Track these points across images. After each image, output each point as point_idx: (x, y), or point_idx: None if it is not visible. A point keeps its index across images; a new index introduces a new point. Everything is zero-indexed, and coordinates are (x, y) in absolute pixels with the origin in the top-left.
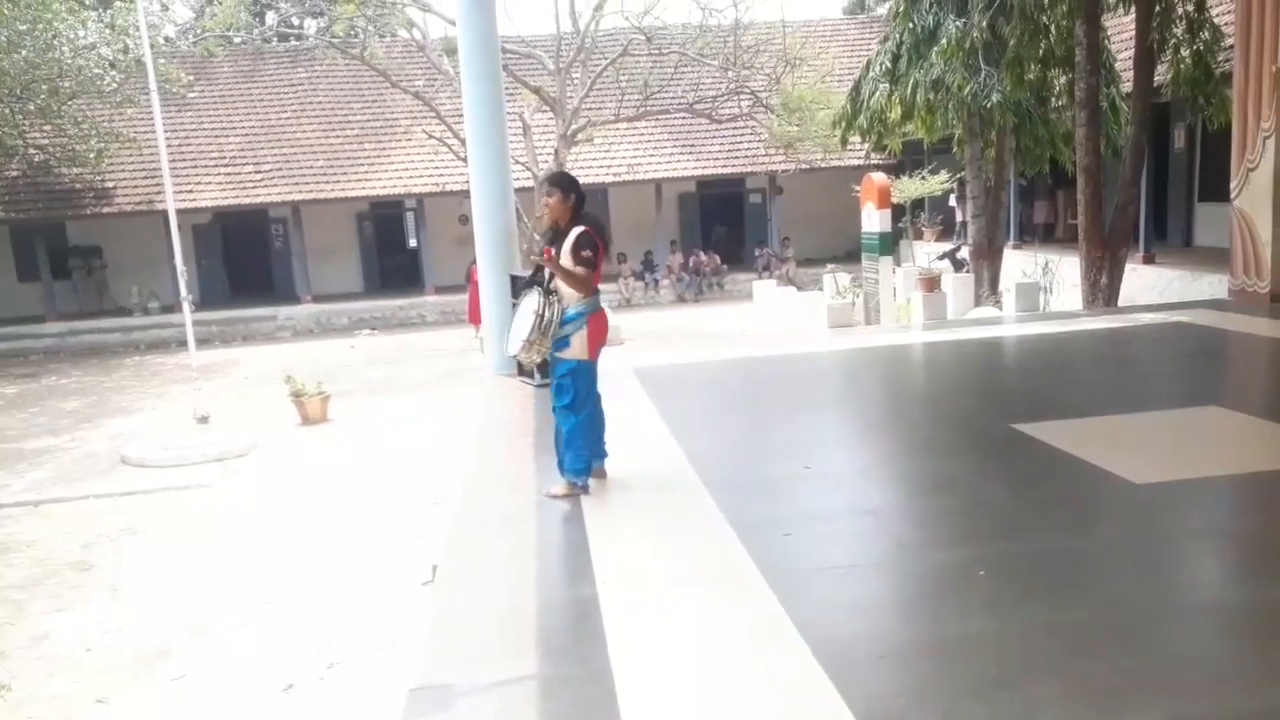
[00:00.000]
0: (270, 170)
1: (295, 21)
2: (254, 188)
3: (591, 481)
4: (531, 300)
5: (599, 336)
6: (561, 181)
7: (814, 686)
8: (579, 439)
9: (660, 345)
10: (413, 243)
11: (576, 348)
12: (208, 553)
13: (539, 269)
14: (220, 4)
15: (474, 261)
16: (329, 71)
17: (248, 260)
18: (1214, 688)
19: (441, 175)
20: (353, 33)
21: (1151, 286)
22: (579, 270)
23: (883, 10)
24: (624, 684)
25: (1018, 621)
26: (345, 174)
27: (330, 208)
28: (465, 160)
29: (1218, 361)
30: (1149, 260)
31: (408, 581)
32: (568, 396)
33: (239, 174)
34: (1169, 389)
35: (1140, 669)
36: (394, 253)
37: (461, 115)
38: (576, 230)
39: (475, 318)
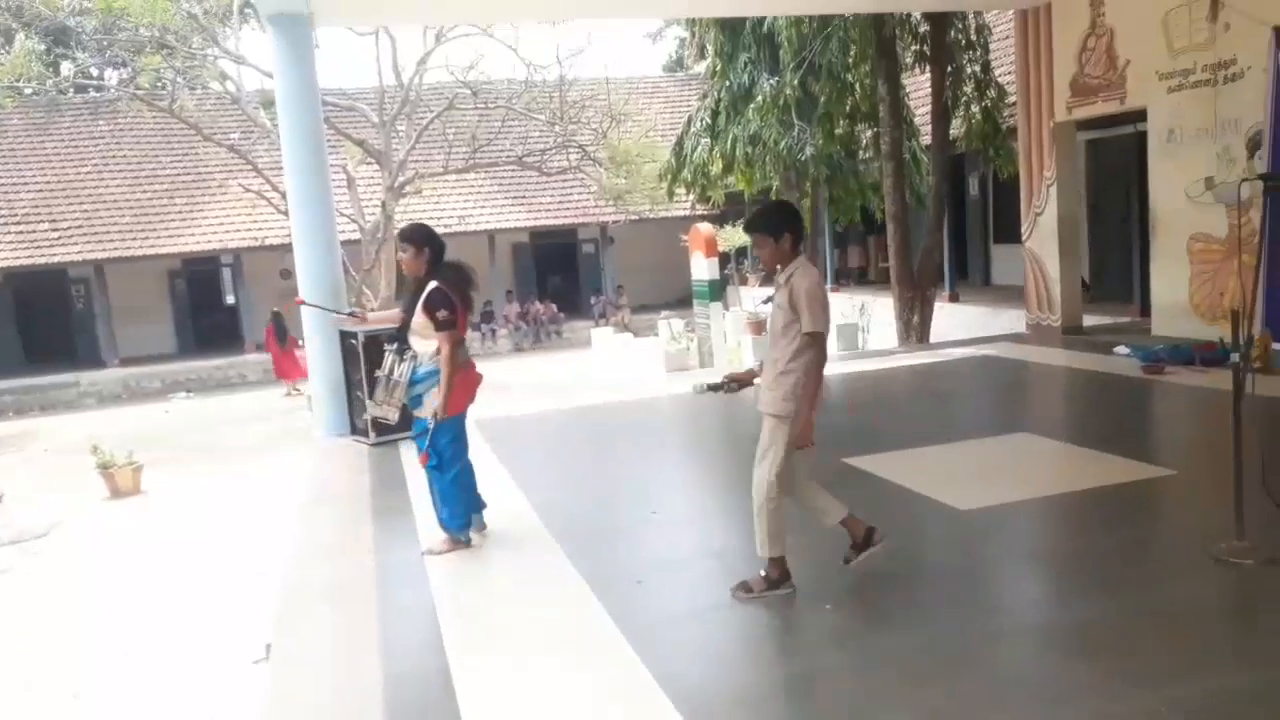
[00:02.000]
0: (69, 228)
1: (94, 72)
2: (50, 246)
3: (473, 535)
4: (387, 360)
5: (462, 392)
6: (415, 236)
7: None
8: (452, 496)
9: (500, 396)
10: (230, 300)
11: (430, 406)
12: (4, 645)
13: (402, 327)
14: (8, 53)
15: (271, 318)
16: (134, 124)
17: (45, 323)
18: (1046, 704)
19: (260, 229)
20: (160, 84)
21: (958, 323)
22: (438, 334)
23: (700, 69)
24: None
25: (863, 654)
26: (154, 230)
27: (138, 266)
28: (286, 213)
29: (1022, 391)
30: (954, 299)
31: (237, 661)
32: (433, 458)
33: (33, 232)
34: (982, 418)
35: (977, 692)
36: (211, 311)
37: (281, 167)
38: (430, 286)
39: (282, 372)
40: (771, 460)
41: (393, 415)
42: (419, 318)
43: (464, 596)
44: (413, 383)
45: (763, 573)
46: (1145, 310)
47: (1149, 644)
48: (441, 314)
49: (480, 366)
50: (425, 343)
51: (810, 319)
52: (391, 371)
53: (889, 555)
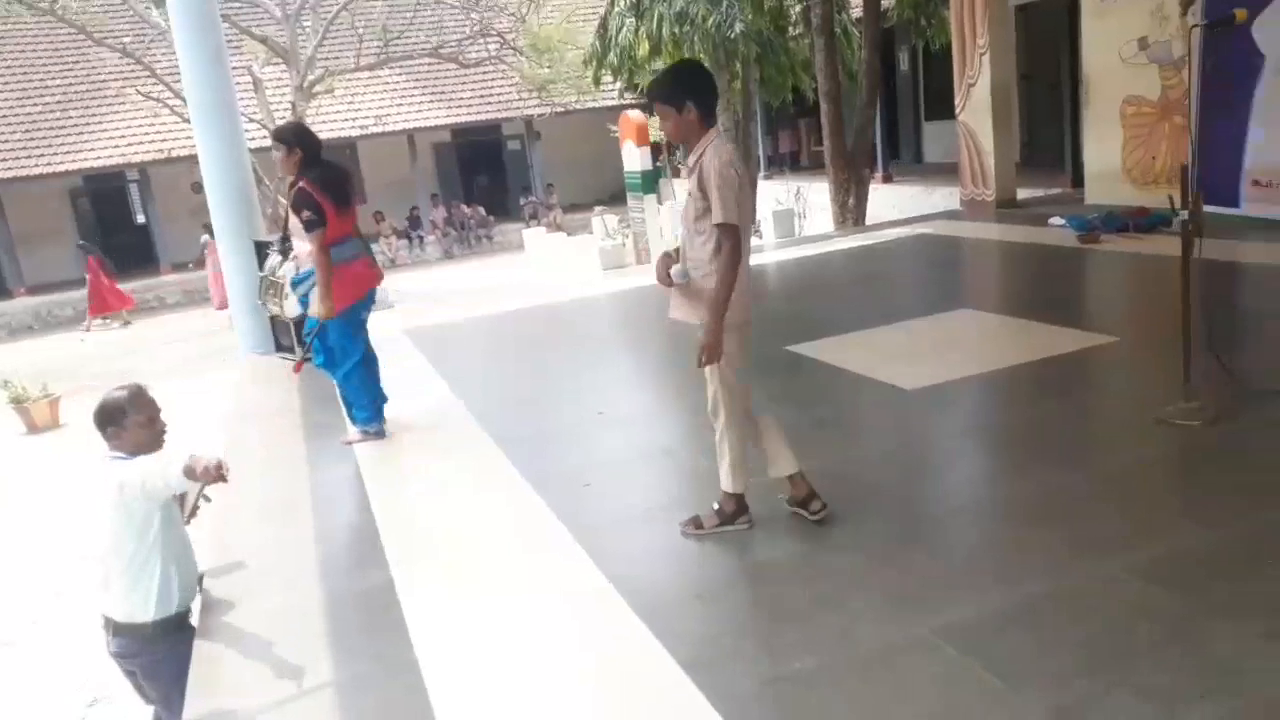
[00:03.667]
0: None
1: None
2: None
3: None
4: (271, 260)
5: (345, 289)
6: (284, 134)
7: (636, 641)
8: (354, 390)
9: (433, 305)
10: (141, 218)
11: (315, 305)
12: None
13: (284, 227)
14: None
15: (87, 248)
16: (16, 30)
17: None
18: (1006, 580)
19: (165, 140)
20: None
21: (892, 204)
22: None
23: None
24: (434, 676)
25: (824, 540)
26: (49, 146)
27: (35, 186)
28: (190, 121)
29: (960, 267)
30: (887, 179)
31: None
32: (320, 355)
33: None
34: (923, 297)
35: (937, 571)
36: (120, 231)
37: (179, 72)
38: (296, 188)
39: (101, 307)
40: (721, 378)
41: (289, 312)
42: (291, 219)
43: (404, 508)
44: (295, 284)
45: (716, 505)
46: (1078, 181)
47: (1102, 511)
48: (305, 214)
49: (409, 275)
50: (303, 244)
51: (721, 207)
52: (273, 272)
53: (840, 439)
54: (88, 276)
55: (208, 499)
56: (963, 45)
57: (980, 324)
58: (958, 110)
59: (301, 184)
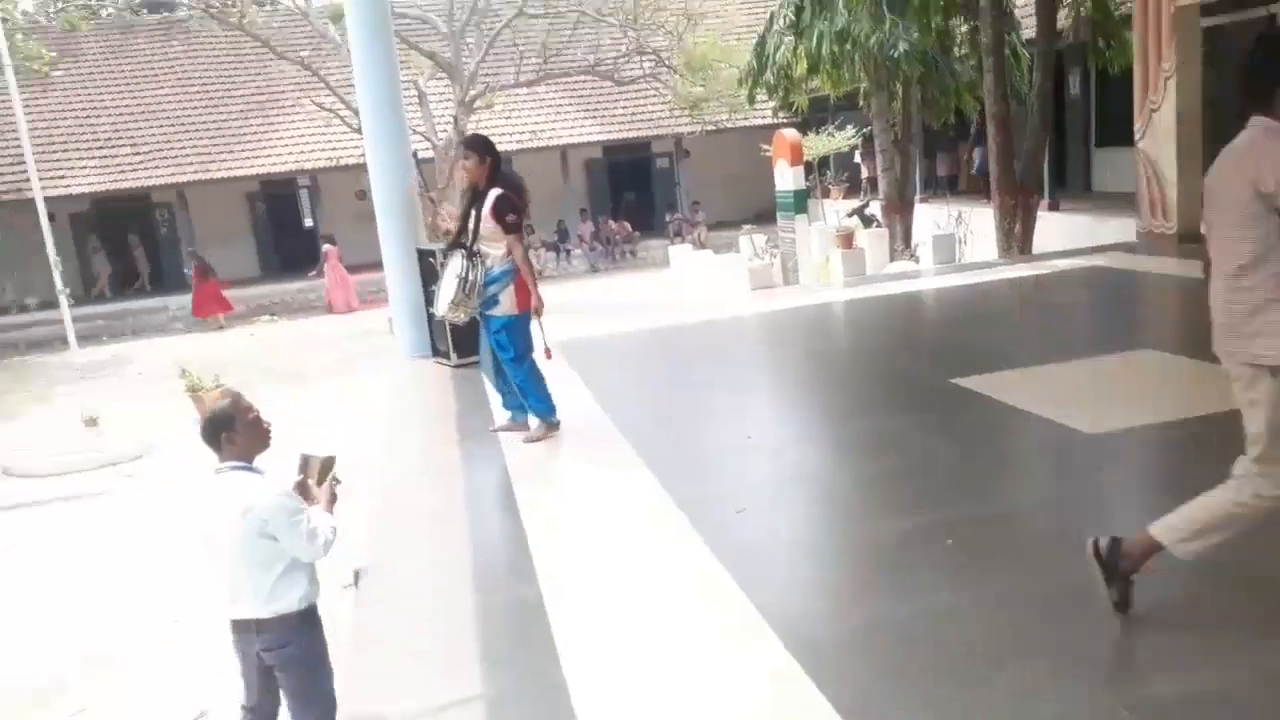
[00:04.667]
0: (150, 151)
1: None
2: (133, 170)
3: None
4: (455, 264)
5: (527, 289)
6: (477, 145)
7: (792, 681)
8: (533, 383)
9: (580, 317)
10: (309, 222)
11: (506, 304)
12: (106, 570)
13: (460, 233)
14: None
15: (196, 256)
16: (207, 43)
17: (133, 249)
18: (1213, 653)
19: (335, 149)
20: (229, 1)
21: (1059, 233)
22: (512, 241)
23: None
24: (581, 701)
25: (991, 591)
26: (231, 152)
27: (218, 188)
28: (360, 131)
29: (1139, 304)
30: (1054, 207)
31: (329, 584)
32: (510, 350)
33: (115, 156)
34: (1099, 334)
35: (1129, 636)
36: (291, 233)
37: (352, 84)
38: (494, 194)
39: (202, 308)
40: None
41: (463, 318)
42: (488, 224)
43: (555, 523)
44: (486, 284)
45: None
46: None
47: None
48: (510, 218)
49: (556, 288)
50: (495, 247)
51: None
52: (466, 274)
53: (1013, 483)
54: (193, 281)
55: (338, 480)
56: (1145, 68)
57: (1164, 366)
58: (1137, 137)
59: (502, 191)
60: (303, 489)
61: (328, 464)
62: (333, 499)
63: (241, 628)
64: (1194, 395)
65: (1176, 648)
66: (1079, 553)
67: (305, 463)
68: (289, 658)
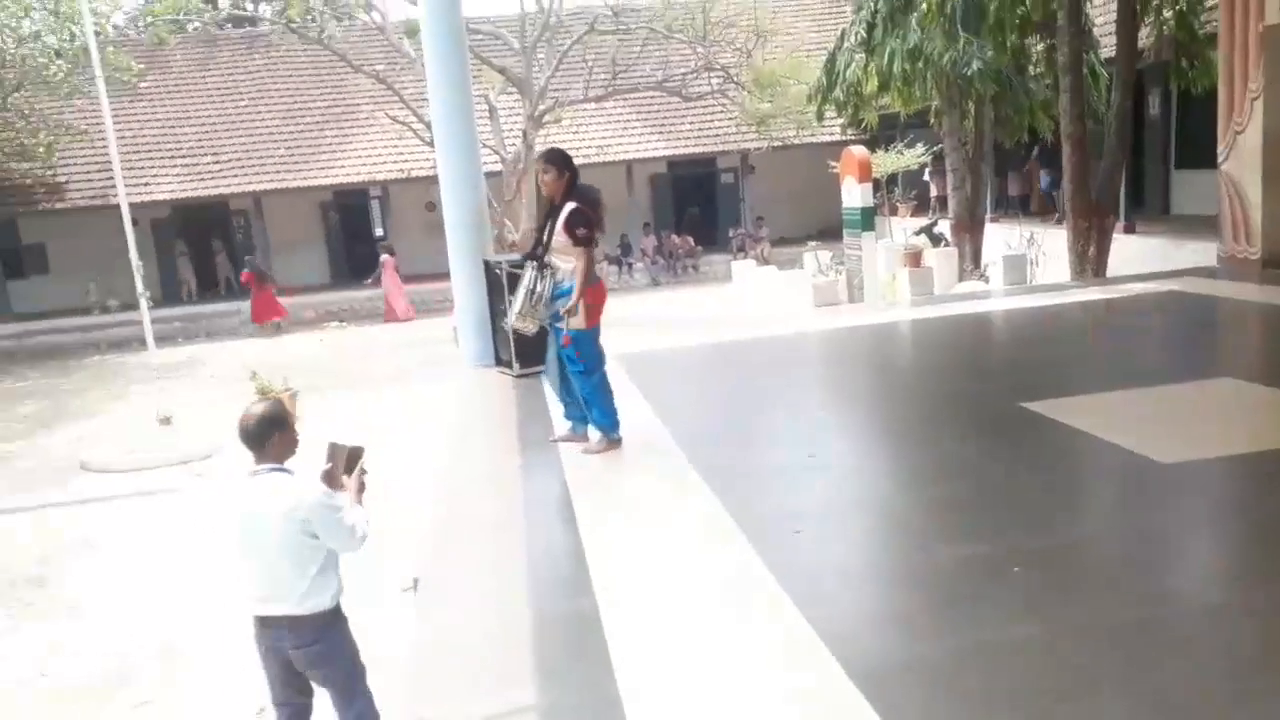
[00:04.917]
0: (229, 160)
1: (249, 5)
2: (212, 179)
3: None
4: (527, 276)
5: (598, 305)
6: (556, 158)
7: (844, 701)
8: (600, 396)
9: (642, 331)
10: (379, 232)
11: (576, 317)
12: (176, 564)
13: (536, 246)
14: None
15: (252, 264)
16: (286, 56)
17: (213, 255)
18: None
19: (406, 161)
20: (309, 16)
21: (1134, 256)
22: (578, 251)
23: None
24: (636, 713)
25: (1066, 624)
26: (307, 162)
27: (293, 197)
28: (431, 144)
29: (1219, 330)
30: (1129, 230)
31: (390, 589)
32: (579, 364)
33: (197, 165)
34: (1176, 360)
35: (1209, 676)
36: (361, 242)
37: (425, 98)
38: (569, 207)
39: (259, 314)
40: None
41: (532, 328)
42: (560, 237)
43: (613, 537)
44: (555, 297)
45: None
46: None
47: None
48: (581, 231)
49: (617, 301)
50: (566, 260)
51: None
52: (535, 286)
53: (1085, 512)
54: (250, 288)
55: (365, 470)
56: (1230, 89)
57: (1245, 396)
58: (1220, 159)
59: (578, 205)
60: (329, 477)
61: (355, 454)
62: (361, 489)
63: (272, 624)
64: (1275, 427)
65: (1255, 690)
66: (1149, 586)
67: (333, 451)
68: (318, 655)
